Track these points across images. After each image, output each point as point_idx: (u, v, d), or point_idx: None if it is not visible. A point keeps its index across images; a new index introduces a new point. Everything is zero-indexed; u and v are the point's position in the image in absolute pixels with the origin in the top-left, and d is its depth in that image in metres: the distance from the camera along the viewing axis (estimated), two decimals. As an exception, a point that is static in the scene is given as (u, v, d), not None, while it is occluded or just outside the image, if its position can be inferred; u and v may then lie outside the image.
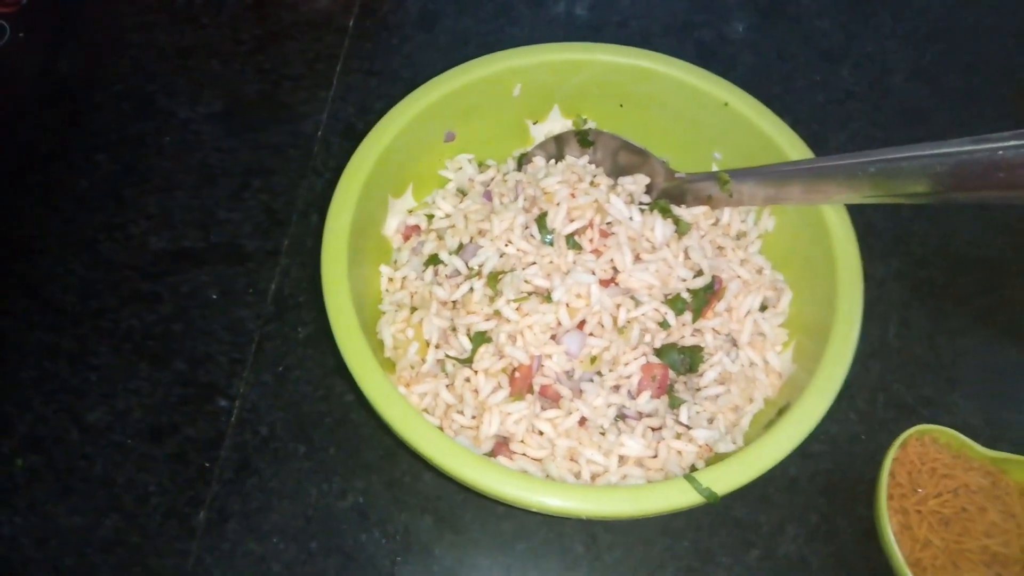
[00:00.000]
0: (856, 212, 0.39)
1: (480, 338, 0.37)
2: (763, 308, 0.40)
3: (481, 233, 0.40)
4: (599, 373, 0.37)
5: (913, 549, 0.38)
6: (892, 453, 0.39)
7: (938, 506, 0.39)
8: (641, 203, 0.41)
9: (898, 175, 0.34)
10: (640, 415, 0.37)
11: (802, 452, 0.42)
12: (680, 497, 0.31)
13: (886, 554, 0.38)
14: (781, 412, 0.34)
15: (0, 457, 0.41)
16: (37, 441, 0.42)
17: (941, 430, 0.40)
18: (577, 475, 0.35)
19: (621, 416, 0.37)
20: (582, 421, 0.36)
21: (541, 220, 0.40)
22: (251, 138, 0.51)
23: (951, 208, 0.50)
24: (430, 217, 0.43)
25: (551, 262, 0.38)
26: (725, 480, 0.31)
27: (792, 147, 0.39)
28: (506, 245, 0.39)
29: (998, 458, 0.40)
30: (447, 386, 0.38)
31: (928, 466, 0.40)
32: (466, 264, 0.40)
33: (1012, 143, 0.31)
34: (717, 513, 0.41)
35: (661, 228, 0.39)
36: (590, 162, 0.44)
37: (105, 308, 0.45)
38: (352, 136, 0.52)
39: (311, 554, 0.39)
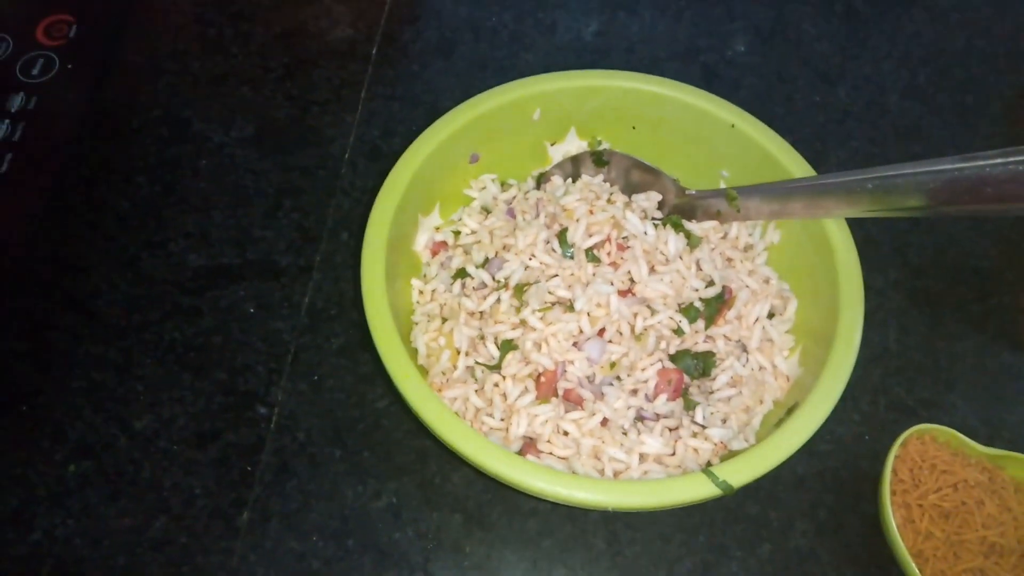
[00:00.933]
0: (856, 225, 0.41)
1: (507, 346, 0.40)
2: (771, 315, 0.42)
3: (505, 248, 0.43)
4: (618, 378, 0.40)
5: (916, 541, 0.40)
6: (894, 451, 0.42)
7: (938, 500, 0.41)
8: (654, 218, 0.44)
9: (894, 191, 0.37)
10: (657, 416, 0.39)
11: (809, 451, 0.45)
12: (699, 489, 0.33)
13: (890, 546, 0.40)
14: (790, 412, 0.36)
15: (53, 463, 0.44)
16: (87, 448, 0.44)
17: (940, 429, 0.43)
18: (601, 472, 0.37)
19: (640, 417, 0.39)
20: (604, 422, 0.38)
21: (562, 235, 0.42)
22: (282, 160, 0.54)
23: (946, 220, 0.53)
24: (457, 233, 0.46)
25: (572, 274, 0.41)
26: (740, 473, 0.33)
27: (794, 165, 0.42)
28: (530, 259, 0.42)
29: (995, 455, 0.42)
30: (476, 391, 0.40)
31: (928, 463, 0.42)
32: (492, 277, 0.42)
33: (998, 160, 0.34)
34: (730, 510, 0.43)
35: (674, 241, 0.42)
36: (605, 180, 0.47)
37: (148, 322, 0.48)
38: (377, 158, 0.55)
39: (348, 551, 0.42)
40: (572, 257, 0.42)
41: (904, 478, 0.42)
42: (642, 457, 0.38)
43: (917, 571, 0.38)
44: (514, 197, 0.46)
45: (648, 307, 0.40)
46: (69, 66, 0.49)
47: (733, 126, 0.44)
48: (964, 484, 0.42)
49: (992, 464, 0.43)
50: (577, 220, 0.42)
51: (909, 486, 0.42)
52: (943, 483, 0.42)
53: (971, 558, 0.40)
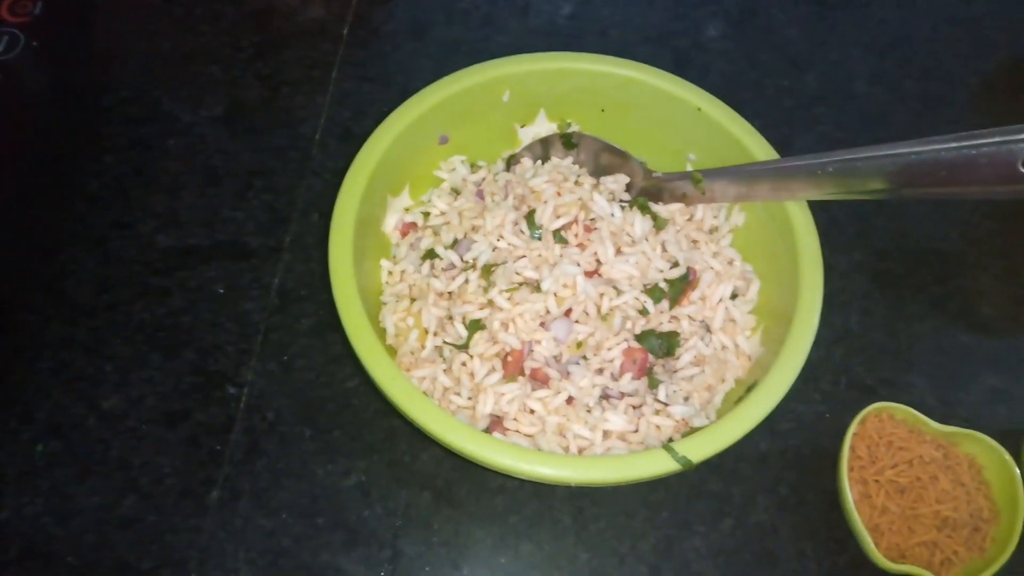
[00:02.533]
0: (820, 209, 0.42)
1: (475, 325, 0.41)
2: (734, 296, 0.43)
3: (474, 229, 0.43)
4: (584, 357, 0.41)
5: (872, 515, 0.42)
6: (852, 429, 0.43)
7: (894, 476, 0.42)
8: (622, 200, 0.45)
9: (854, 174, 0.38)
10: (622, 395, 0.40)
11: (771, 429, 0.46)
12: (659, 464, 0.34)
13: (848, 520, 0.41)
14: (749, 390, 0.37)
15: (21, 443, 0.44)
16: (56, 428, 0.44)
17: (898, 407, 0.44)
18: (566, 448, 0.38)
19: (605, 396, 0.40)
20: (569, 400, 0.39)
21: (530, 217, 0.43)
22: (252, 141, 0.54)
23: (908, 204, 0.54)
24: (426, 215, 0.46)
25: (539, 255, 0.42)
26: (699, 449, 0.34)
27: (759, 148, 0.43)
28: (498, 240, 0.42)
29: (949, 432, 0.43)
30: (445, 370, 0.41)
31: (885, 440, 0.43)
32: (461, 258, 0.43)
33: (952, 145, 0.35)
34: (693, 487, 0.44)
35: (640, 223, 0.42)
36: (574, 163, 0.47)
37: (118, 302, 0.48)
38: (349, 139, 0.55)
39: (318, 529, 0.42)
40: (540, 238, 0.42)
41: (862, 454, 0.43)
42: (606, 434, 0.38)
43: (873, 544, 0.40)
44: (483, 179, 0.47)
45: (614, 288, 0.41)
46: (35, 43, 0.48)
47: (699, 110, 0.44)
48: (919, 460, 0.43)
49: (947, 441, 0.44)
50: (545, 202, 0.43)
51: (866, 462, 0.43)
52: (899, 459, 0.43)
53: (925, 531, 0.41)
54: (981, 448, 0.43)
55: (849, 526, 0.42)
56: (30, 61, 0.48)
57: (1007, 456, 0.42)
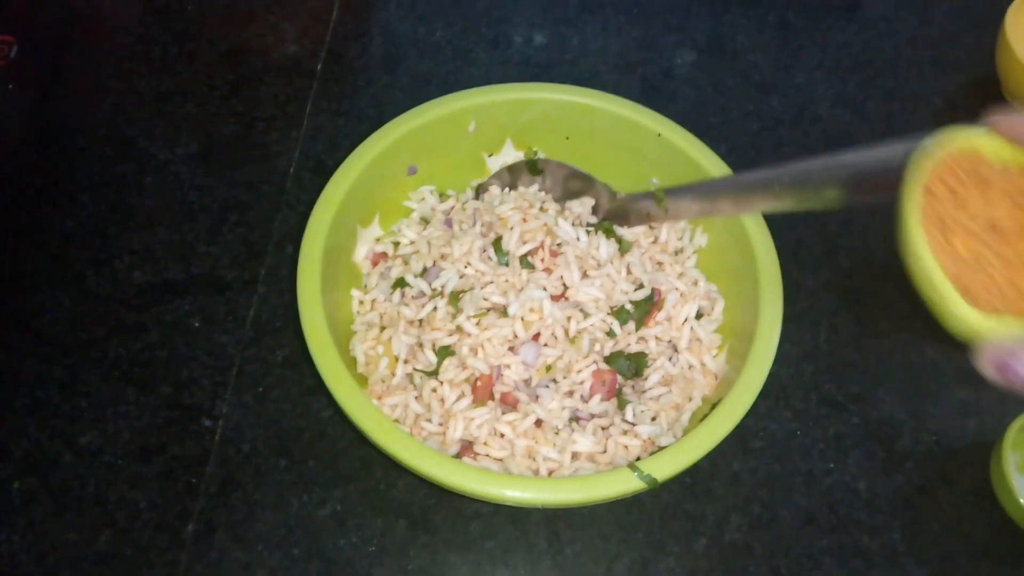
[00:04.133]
0: (787, 229, 0.43)
1: (444, 352, 0.41)
2: (699, 316, 0.44)
3: (443, 257, 0.44)
4: (554, 380, 0.41)
5: (953, 268, 0.31)
6: (922, 163, 0.31)
7: (990, 213, 0.31)
8: (588, 223, 0.45)
9: (808, 183, 0.38)
10: (592, 416, 0.40)
11: (743, 448, 0.46)
12: (625, 483, 0.34)
13: (916, 276, 0.31)
14: (713, 407, 0.38)
15: (-3, 481, 0.44)
16: (32, 465, 0.44)
17: (986, 136, 0.32)
18: (535, 471, 0.39)
19: (575, 418, 0.40)
20: (538, 423, 0.39)
21: (497, 243, 0.44)
22: (227, 176, 0.55)
23: (872, 223, 0.55)
24: (396, 244, 0.47)
25: (507, 280, 0.42)
26: (664, 467, 0.35)
27: (716, 169, 0.44)
28: (465, 267, 0.43)
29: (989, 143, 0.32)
30: (416, 397, 0.41)
31: (975, 178, 0.32)
32: (430, 285, 0.43)
33: (899, 148, 0.35)
34: (668, 507, 0.45)
35: (605, 247, 0.43)
36: (541, 189, 0.48)
37: (93, 338, 0.48)
38: (322, 172, 0.55)
39: (294, 560, 0.42)
40: (507, 264, 0.43)
41: (938, 192, 0.32)
42: (574, 455, 0.39)
43: (954, 293, 0.30)
44: (452, 207, 0.47)
45: (581, 311, 0.42)
46: (10, 86, 0.49)
47: (660, 135, 0.45)
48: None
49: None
50: (511, 228, 0.43)
51: (945, 200, 0.32)
52: (1000, 197, 0.32)
53: None
54: None
55: (918, 285, 0.32)
56: (6, 103, 0.49)
57: None
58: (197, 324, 0.49)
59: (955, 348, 0.51)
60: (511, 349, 0.41)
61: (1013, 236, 0.31)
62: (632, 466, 0.35)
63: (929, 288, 0.31)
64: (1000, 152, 0.33)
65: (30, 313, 0.49)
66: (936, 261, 0.31)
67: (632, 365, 0.42)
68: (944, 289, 0.31)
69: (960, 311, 0.30)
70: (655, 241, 0.46)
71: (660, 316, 0.43)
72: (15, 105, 0.50)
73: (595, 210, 0.47)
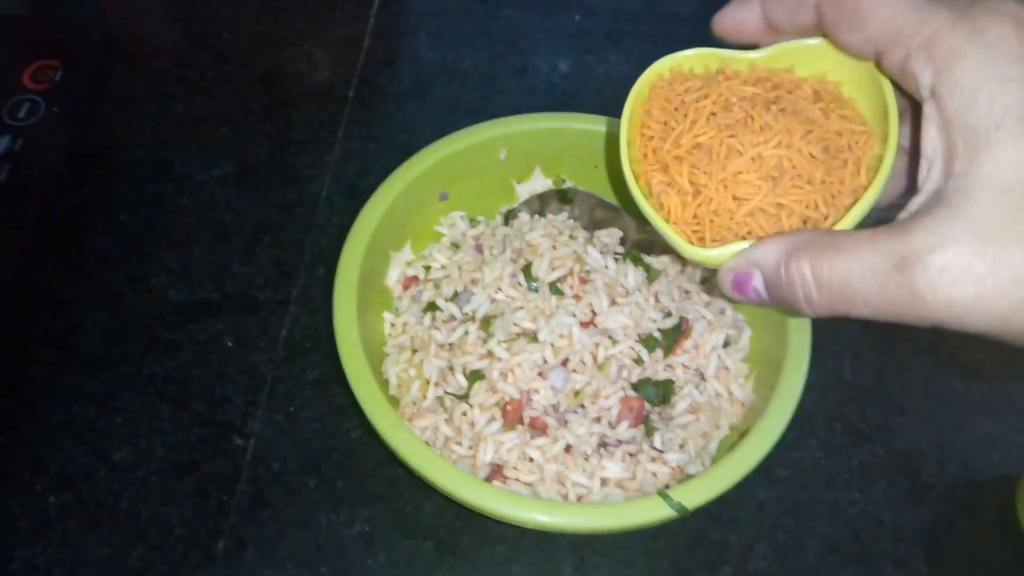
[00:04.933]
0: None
1: (475, 376, 0.42)
2: (726, 344, 0.44)
3: (473, 282, 0.45)
4: (582, 405, 0.42)
5: (682, 205, 0.32)
6: (631, 98, 0.34)
7: (690, 138, 0.32)
8: (615, 253, 0.46)
9: None
10: (619, 443, 0.41)
11: (768, 477, 0.47)
12: (655, 511, 0.35)
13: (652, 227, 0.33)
14: (742, 436, 0.38)
15: (33, 495, 0.45)
16: (67, 479, 0.45)
17: (689, 54, 0.34)
18: (564, 496, 0.39)
19: (602, 444, 0.41)
20: (568, 448, 0.40)
21: (527, 270, 0.44)
22: (261, 198, 0.56)
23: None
24: (427, 268, 0.48)
25: (536, 306, 0.43)
26: (694, 495, 0.35)
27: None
28: (496, 292, 0.44)
29: (770, 55, 0.33)
30: (446, 420, 0.42)
31: (676, 102, 0.33)
32: (460, 310, 0.44)
33: None
34: (694, 535, 0.45)
35: (633, 275, 0.44)
36: (569, 217, 0.49)
37: (128, 355, 0.49)
38: (354, 195, 0.57)
39: (322, 578, 0.43)
40: (537, 290, 0.44)
41: (654, 131, 0.33)
42: (603, 482, 0.39)
43: (674, 234, 0.32)
44: (482, 233, 0.48)
45: (609, 337, 0.42)
46: (55, 109, 0.51)
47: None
48: (724, 105, 0.32)
49: (769, 68, 0.33)
50: (541, 255, 0.44)
51: (660, 139, 0.33)
52: (696, 116, 0.32)
53: (751, 192, 0.31)
54: (828, 59, 0.31)
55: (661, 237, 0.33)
56: (50, 126, 0.50)
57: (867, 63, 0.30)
58: (230, 343, 0.50)
59: (979, 379, 0.51)
60: (540, 374, 0.42)
61: (721, 156, 0.31)
62: (662, 494, 0.35)
63: (660, 234, 0.32)
64: (708, 59, 0.34)
65: (68, 329, 0.50)
66: (656, 207, 0.32)
67: (659, 392, 0.42)
68: (669, 235, 0.32)
69: (689, 252, 0.31)
70: (682, 270, 0.46)
71: (687, 344, 0.43)
72: (59, 127, 0.51)
73: (623, 241, 0.47)
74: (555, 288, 0.44)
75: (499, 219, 0.50)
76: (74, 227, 0.53)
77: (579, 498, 0.39)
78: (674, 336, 0.43)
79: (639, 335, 0.43)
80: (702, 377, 0.43)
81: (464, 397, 0.42)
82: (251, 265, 0.53)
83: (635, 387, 0.42)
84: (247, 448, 0.47)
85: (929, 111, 0.26)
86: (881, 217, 0.29)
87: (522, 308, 0.43)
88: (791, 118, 0.31)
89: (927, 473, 0.47)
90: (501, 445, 0.40)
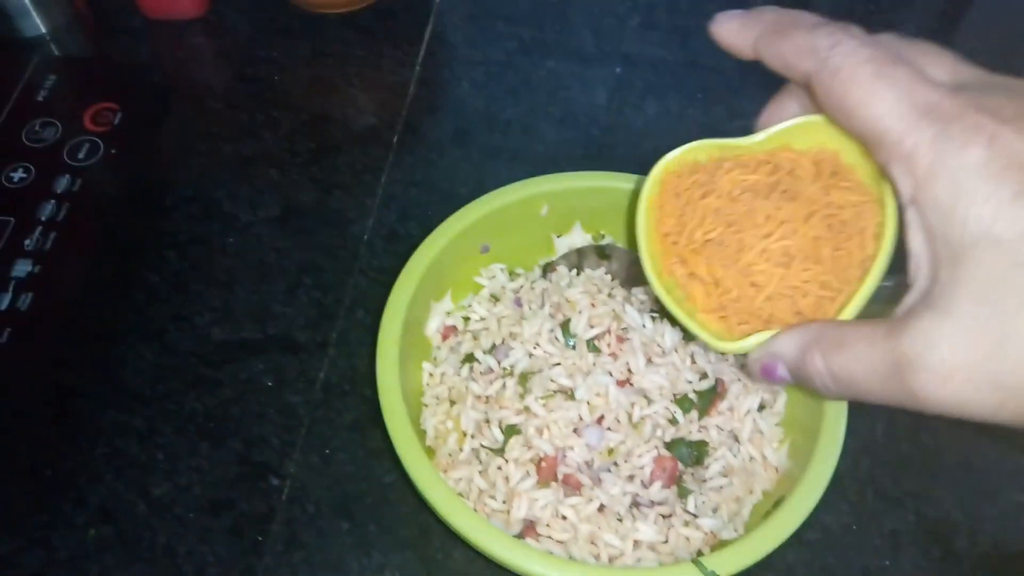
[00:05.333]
0: (842, 325, 0.44)
1: (511, 430, 0.42)
2: (761, 408, 0.45)
3: (512, 335, 0.46)
4: (615, 464, 0.42)
5: (707, 296, 0.34)
6: (646, 192, 0.35)
7: (702, 233, 0.34)
8: (653, 311, 0.47)
9: None
10: (652, 503, 0.41)
11: (798, 540, 0.46)
12: (688, 578, 0.35)
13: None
14: (777, 504, 0.39)
15: (74, 527, 0.46)
16: (107, 513, 0.46)
17: (695, 146, 0.35)
18: (597, 557, 0.39)
19: (635, 504, 0.41)
20: (601, 508, 0.40)
21: (565, 326, 0.45)
22: (304, 240, 0.57)
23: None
24: (466, 319, 0.49)
25: (574, 364, 0.44)
26: (728, 564, 0.35)
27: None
28: (534, 348, 0.45)
29: (770, 136, 0.34)
30: (480, 473, 0.42)
31: (684, 197, 0.34)
32: (498, 363, 0.45)
33: None
34: (721, 595, 0.45)
35: (670, 335, 0.45)
36: (606, 273, 0.50)
37: (171, 392, 0.50)
38: (394, 240, 0.58)
39: (352, 624, 0.43)
40: (574, 347, 0.44)
41: (670, 229, 0.35)
42: (636, 544, 0.39)
43: (697, 327, 0.33)
44: (521, 287, 0.49)
45: (645, 397, 0.43)
46: (113, 151, 0.53)
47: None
48: (727, 195, 0.33)
49: (769, 150, 0.34)
50: (580, 312, 0.45)
51: (677, 235, 0.35)
52: (705, 209, 0.34)
53: (765, 278, 0.32)
54: (826, 130, 0.32)
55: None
56: (108, 166, 0.52)
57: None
58: (270, 383, 0.51)
59: (1013, 448, 0.51)
60: (575, 431, 0.42)
61: (733, 248, 0.33)
62: (696, 562, 0.35)
63: (683, 326, 0.34)
64: (711, 150, 0.35)
65: (114, 364, 0.51)
66: (682, 297, 0.34)
67: (693, 453, 0.43)
68: (694, 329, 0.34)
69: (714, 345, 0.33)
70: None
71: (722, 406, 0.44)
72: (115, 168, 0.53)
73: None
74: (592, 346, 0.44)
75: (537, 271, 0.51)
76: (125, 264, 0.55)
77: (611, 559, 0.39)
78: (709, 397, 0.44)
79: (674, 395, 0.43)
80: (736, 440, 0.44)
81: (500, 451, 0.42)
82: (292, 306, 0.54)
83: (669, 447, 0.43)
84: (283, 489, 0.47)
85: (911, 217, 0.27)
86: (899, 282, 0.30)
87: (559, 364, 0.44)
88: (792, 204, 0.32)
89: (960, 542, 0.47)
90: (535, 502, 0.40)
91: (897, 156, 0.26)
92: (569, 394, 0.43)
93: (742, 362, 0.47)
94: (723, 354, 0.36)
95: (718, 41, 0.33)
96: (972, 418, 0.28)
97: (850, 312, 0.31)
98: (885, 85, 0.26)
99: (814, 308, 0.32)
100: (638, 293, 0.48)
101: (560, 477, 0.41)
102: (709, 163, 0.35)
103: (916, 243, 0.27)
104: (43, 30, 0.65)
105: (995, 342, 0.25)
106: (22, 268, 0.48)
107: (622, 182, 0.48)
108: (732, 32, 0.32)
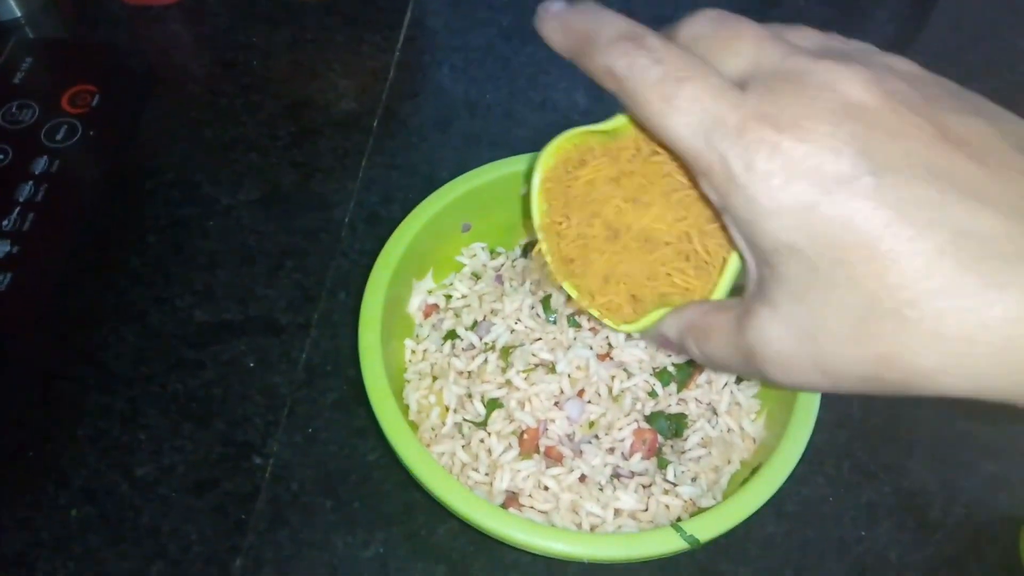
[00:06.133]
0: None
1: (493, 404, 0.43)
2: (739, 381, 0.45)
3: (493, 312, 0.46)
4: (596, 436, 0.43)
5: (603, 292, 0.35)
6: (535, 184, 0.36)
7: (580, 228, 0.35)
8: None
9: None
10: (632, 474, 0.42)
11: (777, 512, 0.47)
12: (668, 543, 0.36)
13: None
14: (754, 471, 0.39)
15: (56, 508, 0.46)
16: (91, 493, 0.46)
17: (567, 135, 0.35)
18: (579, 525, 0.40)
19: (616, 475, 0.42)
20: (582, 478, 0.41)
21: (546, 301, 0.46)
22: (286, 223, 0.57)
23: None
24: (448, 297, 0.49)
25: (555, 338, 0.44)
26: (707, 528, 0.36)
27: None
28: (516, 323, 0.45)
29: (613, 127, 0.34)
30: (463, 446, 0.43)
31: (563, 187, 0.35)
32: (480, 339, 0.45)
33: None
34: (703, 568, 0.45)
35: (650, 310, 0.45)
36: (588, 251, 0.51)
37: (154, 373, 0.50)
38: (376, 222, 0.58)
39: (336, 599, 0.44)
40: (555, 322, 0.45)
41: (560, 220, 0.36)
42: (617, 512, 0.40)
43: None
44: (502, 264, 0.50)
45: (625, 370, 0.44)
46: (91, 133, 0.52)
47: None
48: (603, 184, 0.34)
49: (614, 139, 0.34)
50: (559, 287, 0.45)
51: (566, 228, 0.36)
52: (576, 201, 0.35)
53: (643, 268, 0.34)
54: None
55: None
56: (86, 148, 0.52)
57: None
58: (252, 364, 0.51)
59: (987, 421, 0.52)
60: (556, 404, 0.43)
61: (622, 231, 0.34)
62: (675, 526, 0.36)
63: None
64: (575, 142, 0.35)
65: (96, 346, 0.51)
66: (577, 291, 0.36)
67: (672, 426, 0.43)
68: (597, 316, 0.36)
69: (614, 327, 0.36)
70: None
71: (701, 379, 0.44)
72: (93, 151, 0.53)
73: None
74: (573, 321, 0.45)
75: (518, 251, 0.52)
76: (106, 247, 0.55)
77: (592, 528, 0.40)
78: (688, 371, 0.44)
79: (654, 368, 0.44)
80: (715, 412, 0.44)
81: (482, 424, 0.43)
82: (274, 288, 0.55)
83: (648, 420, 0.43)
84: (266, 468, 0.48)
85: (727, 221, 0.28)
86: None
87: (540, 339, 0.44)
88: (653, 187, 0.33)
89: (934, 513, 0.48)
90: (518, 473, 0.41)
91: (698, 172, 0.26)
92: (550, 368, 0.43)
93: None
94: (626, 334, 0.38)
95: (544, 39, 0.31)
96: (830, 393, 0.30)
97: (719, 293, 0.33)
98: (675, 107, 0.26)
99: (688, 287, 0.33)
100: (618, 270, 0.48)
101: (542, 449, 0.42)
102: (576, 153, 0.36)
103: (739, 242, 0.28)
104: (18, 14, 0.65)
105: (810, 335, 0.26)
106: (0, 248, 0.47)
107: (601, 161, 0.49)
108: (553, 33, 0.30)
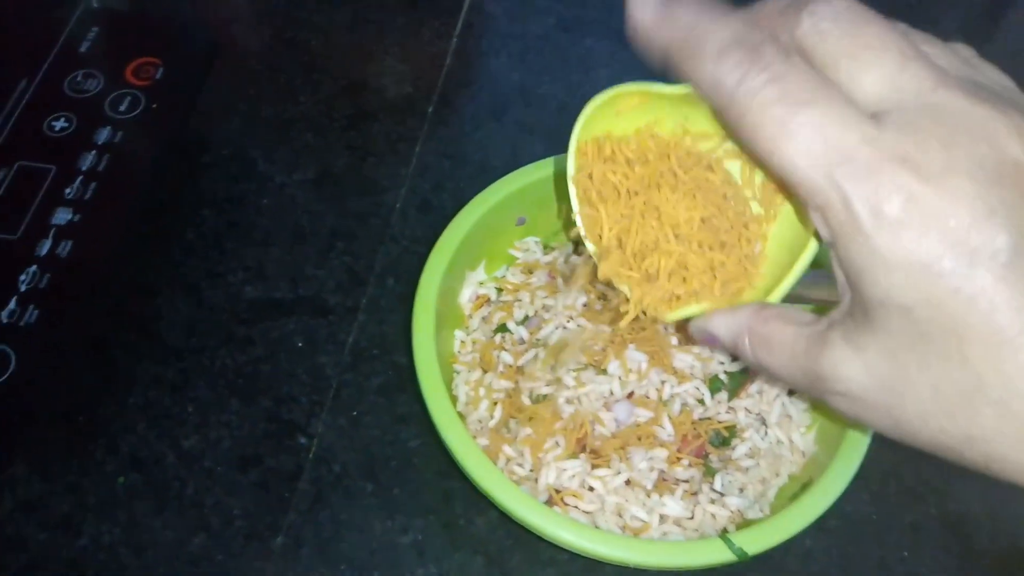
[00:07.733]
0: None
1: (541, 400, 0.43)
2: (791, 393, 0.45)
3: (545, 308, 0.46)
4: (641, 439, 0.42)
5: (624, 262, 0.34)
6: (572, 160, 0.36)
7: (622, 210, 0.34)
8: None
9: None
10: (678, 481, 0.42)
11: (819, 526, 0.46)
12: (716, 553, 0.35)
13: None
14: (804, 487, 0.39)
15: (104, 474, 0.46)
16: (138, 462, 0.47)
17: (620, 90, 0.34)
18: (623, 528, 0.40)
19: (662, 479, 0.41)
20: (628, 481, 0.41)
21: (601, 300, 0.45)
22: (338, 205, 0.58)
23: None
24: (500, 290, 0.49)
25: (607, 339, 0.44)
26: (755, 541, 0.36)
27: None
28: (568, 321, 0.45)
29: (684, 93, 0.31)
30: (509, 441, 0.43)
31: (609, 163, 0.34)
32: (530, 334, 0.45)
33: None
34: (740, 577, 0.45)
35: (704, 316, 0.45)
36: (642, 251, 0.50)
37: (204, 347, 0.51)
38: (427, 210, 0.58)
39: (374, 583, 0.44)
40: (608, 323, 0.45)
41: (593, 198, 0.35)
42: (662, 518, 0.40)
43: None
44: (555, 259, 0.49)
45: (676, 375, 0.43)
46: (154, 105, 0.53)
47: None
48: (643, 166, 0.33)
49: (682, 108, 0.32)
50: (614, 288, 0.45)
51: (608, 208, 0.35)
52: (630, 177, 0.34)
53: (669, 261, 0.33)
54: None
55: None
56: (148, 120, 0.53)
57: None
58: (300, 343, 0.52)
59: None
60: (605, 405, 0.43)
61: (657, 213, 0.33)
62: (723, 537, 0.36)
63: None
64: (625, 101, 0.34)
65: (150, 317, 0.52)
66: (627, 283, 0.34)
67: (721, 434, 0.43)
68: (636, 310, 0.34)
69: (662, 317, 0.34)
70: (752, 314, 0.47)
71: (752, 389, 0.44)
72: (155, 123, 0.53)
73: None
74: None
75: (571, 247, 0.51)
76: (162, 218, 0.55)
77: (636, 532, 0.40)
78: (740, 380, 0.44)
79: (705, 375, 0.44)
80: (764, 423, 0.44)
81: (529, 420, 0.43)
82: (324, 269, 0.55)
83: (696, 426, 0.43)
84: (310, 448, 0.48)
85: (832, 255, 0.26)
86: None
87: (592, 339, 0.44)
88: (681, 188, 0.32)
89: (979, 540, 0.47)
90: (563, 472, 0.41)
91: (813, 207, 0.24)
92: (601, 369, 0.43)
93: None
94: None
95: (633, 33, 0.27)
96: (866, 423, 0.30)
97: (777, 296, 0.32)
98: (791, 133, 0.23)
99: (727, 284, 0.33)
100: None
101: (588, 449, 0.42)
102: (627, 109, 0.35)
103: (839, 276, 0.27)
104: (86, -17, 0.66)
105: (896, 392, 0.26)
106: (62, 216, 0.48)
107: (662, 161, 0.48)
108: (648, 31, 0.27)
